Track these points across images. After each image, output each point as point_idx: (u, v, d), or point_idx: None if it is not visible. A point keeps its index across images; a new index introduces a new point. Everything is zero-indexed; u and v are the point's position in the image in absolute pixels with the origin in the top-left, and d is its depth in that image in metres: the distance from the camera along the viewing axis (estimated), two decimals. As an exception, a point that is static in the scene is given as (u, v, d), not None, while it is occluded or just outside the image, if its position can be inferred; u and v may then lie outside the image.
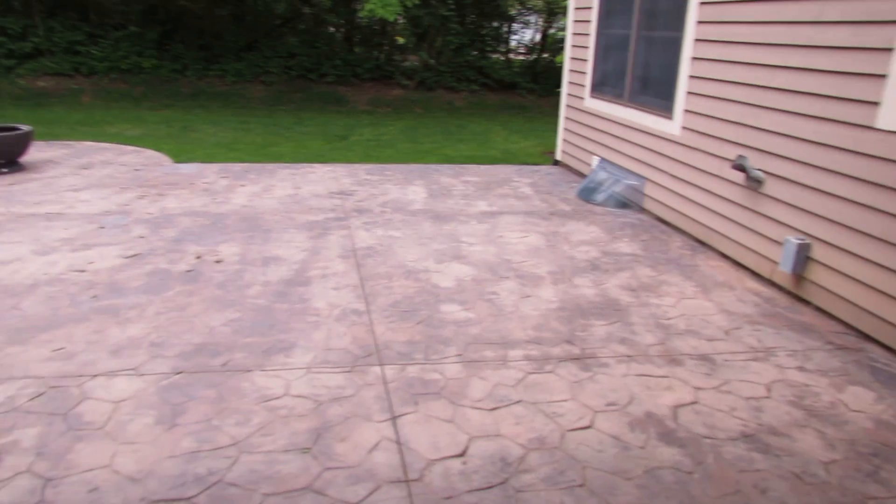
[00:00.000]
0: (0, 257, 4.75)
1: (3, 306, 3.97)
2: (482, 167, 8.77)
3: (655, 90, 6.47)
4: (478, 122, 13.62)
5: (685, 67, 5.83)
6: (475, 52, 16.45)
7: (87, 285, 4.33)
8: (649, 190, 6.56)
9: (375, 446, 2.75)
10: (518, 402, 3.13)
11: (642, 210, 6.69)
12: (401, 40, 16.63)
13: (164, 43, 14.71)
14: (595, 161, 7.73)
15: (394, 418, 2.96)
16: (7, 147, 7.29)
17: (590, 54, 7.86)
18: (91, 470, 2.56)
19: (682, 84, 5.88)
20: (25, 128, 7.47)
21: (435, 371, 3.38)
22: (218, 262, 4.84)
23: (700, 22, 5.61)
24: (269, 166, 8.27)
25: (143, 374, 3.26)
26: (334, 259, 4.99)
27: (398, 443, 2.78)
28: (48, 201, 6.25)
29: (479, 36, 16.67)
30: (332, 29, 16.26)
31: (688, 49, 5.78)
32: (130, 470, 2.57)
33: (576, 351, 3.67)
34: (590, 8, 7.78)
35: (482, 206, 6.71)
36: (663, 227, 6.22)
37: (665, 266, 5.14)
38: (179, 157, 8.58)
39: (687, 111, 5.84)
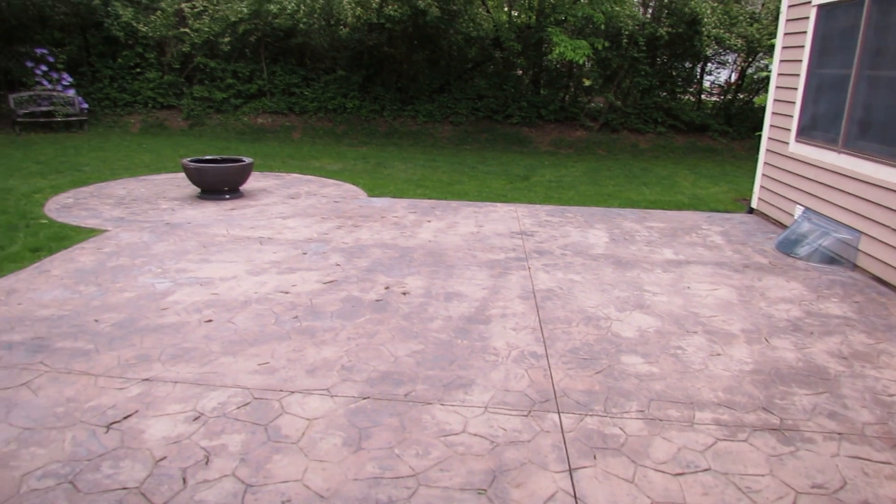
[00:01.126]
0: (220, 274, 5.35)
1: (221, 319, 4.45)
2: (668, 213, 8.43)
3: (879, 135, 5.85)
4: (663, 165, 13.16)
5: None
6: (664, 94, 15.98)
7: (290, 306, 4.73)
8: (865, 245, 5.90)
9: (551, 497, 2.70)
10: (706, 469, 2.91)
11: (854, 267, 6.02)
12: (587, 82, 16.61)
13: (366, 85, 15.96)
14: (798, 211, 7.12)
15: (571, 470, 2.88)
16: (232, 176, 8.26)
17: (798, 96, 7.31)
18: (285, 482, 2.76)
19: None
20: (247, 160, 8.43)
21: (615, 425, 3.26)
22: (404, 293, 5.08)
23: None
24: (454, 203, 8.58)
25: (334, 396, 3.48)
26: (514, 299, 5.02)
27: (575, 497, 2.70)
28: (261, 226, 6.97)
29: (669, 77, 16.19)
30: (520, 72, 16.66)
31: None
32: (319, 487, 2.73)
33: (774, 420, 3.35)
34: (801, 47, 7.25)
35: (668, 253, 6.44)
36: (882, 287, 5.54)
37: (885, 333, 4.56)
38: (373, 191, 9.19)
39: (916, 161, 5.20)
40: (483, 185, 10.11)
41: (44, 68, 13.99)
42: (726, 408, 3.47)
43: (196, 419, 3.20)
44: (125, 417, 3.18)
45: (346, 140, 14.65)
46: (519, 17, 16.13)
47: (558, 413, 3.36)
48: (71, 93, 14.09)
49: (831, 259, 6.17)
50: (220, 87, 15.43)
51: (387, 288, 5.19)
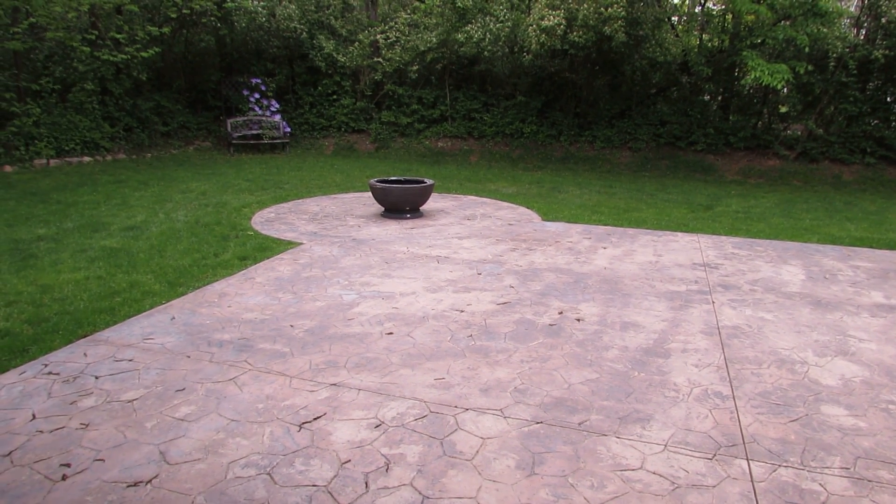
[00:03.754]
0: (401, 289, 5.62)
1: (401, 332, 4.66)
2: (878, 252, 7.55)
3: None
4: (871, 199, 11.84)
5: None
6: (876, 121, 14.40)
7: (465, 324, 4.85)
8: None
9: (739, 550, 2.50)
10: (927, 545, 2.55)
11: None
12: (783, 108, 15.43)
13: (544, 111, 16.08)
14: None
15: (762, 523, 2.66)
16: (414, 197, 8.68)
17: None
18: (460, 498, 2.81)
19: None
20: (429, 181, 8.81)
21: (814, 481, 2.95)
22: (578, 320, 5.00)
23: None
24: (631, 231, 8.33)
25: (507, 417, 3.49)
26: (696, 334, 4.76)
27: (766, 553, 2.48)
28: (438, 245, 7.22)
29: (883, 103, 14.57)
30: (707, 97, 15.88)
31: None
32: (492, 504, 2.75)
33: None
34: None
35: (877, 297, 5.76)
36: None
37: None
38: (547, 215, 9.18)
39: None
40: (662, 213, 9.72)
41: (256, 96, 15.72)
42: (954, 477, 3.01)
43: (377, 427, 3.36)
44: (315, 419, 3.42)
45: (522, 164, 14.81)
46: (710, 40, 15.41)
47: (747, 460, 3.12)
48: (277, 118, 15.68)
49: None
50: (406, 112, 16.34)
51: (560, 313, 5.14)
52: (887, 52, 13.33)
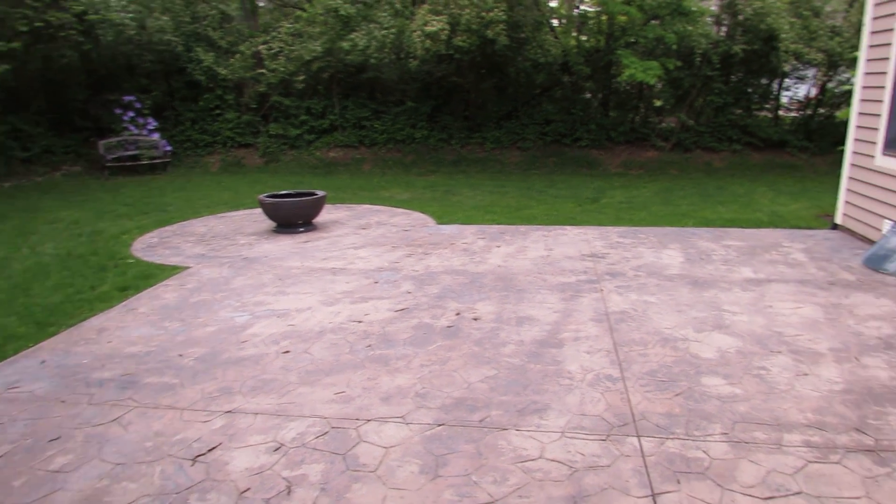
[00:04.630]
0: (296, 306, 5.51)
1: (297, 350, 4.57)
2: (746, 231, 8.15)
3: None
4: (740, 183, 12.76)
5: None
6: (739, 111, 15.55)
7: (363, 335, 4.82)
8: (964, 259, 5.52)
9: (633, 524, 2.63)
10: (798, 493, 2.77)
11: (954, 283, 5.65)
12: (658, 102, 16.36)
13: (434, 115, 16.24)
14: (887, 226, 6.74)
15: (654, 495, 2.80)
16: (306, 210, 8.53)
17: (884, 108, 6.97)
18: (365, 507, 2.79)
19: None
20: (320, 193, 8.69)
21: (698, 449, 3.15)
22: (475, 319, 5.09)
23: None
24: (523, 228, 8.56)
25: (409, 423, 3.50)
26: (587, 322, 4.95)
27: (658, 524, 2.62)
28: (333, 257, 7.14)
29: (744, 94, 15.75)
30: (588, 95, 16.59)
31: None
32: (398, 511, 2.75)
33: (869, 441, 3.17)
34: (886, 59, 6.94)
35: (747, 272, 6.21)
36: None
37: None
38: (442, 218, 9.29)
39: None
40: (552, 208, 10.05)
41: (131, 114, 14.90)
42: (816, 429, 3.29)
43: (277, 450, 3.27)
44: (210, 450, 3.28)
45: (415, 169, 14.90)
46: (588, 41, 16.10)
47: (638, 437, 3.28)
48: (156, 136, 14.93)
49: (928, 273, 5.81)
50: (295, 123, 16.03)
51: (458, 314, 5.21)
52: (745, 46, 14.40)
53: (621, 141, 15.73)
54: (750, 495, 2.78)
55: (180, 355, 4.49)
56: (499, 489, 2.89)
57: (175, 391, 3.95)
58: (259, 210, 9.89)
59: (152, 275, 6.52)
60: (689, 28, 13.66)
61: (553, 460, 3.10)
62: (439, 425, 3.46)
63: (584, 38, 16.35)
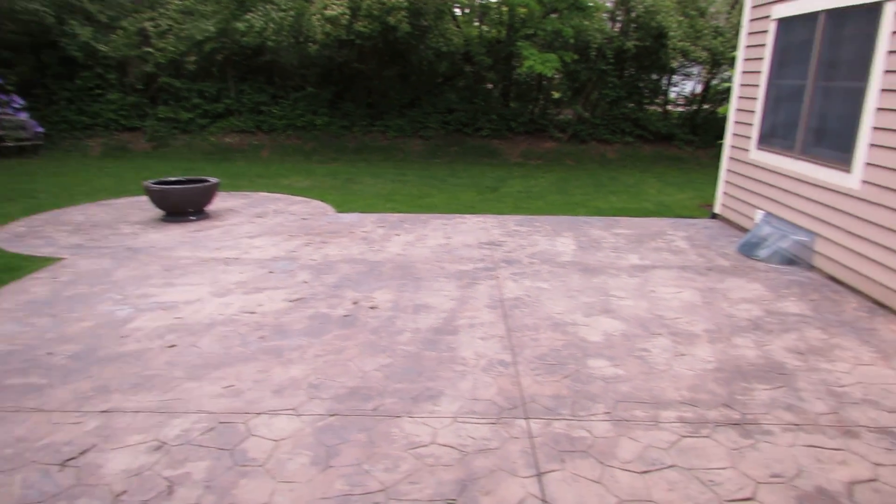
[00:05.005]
0: (184, 298, 5.28)
1: (184, 343, 4.38)
2: (634, 220, 8.54)
3: (832, 142, 6.00)
4: (631, 174, 13.34)
5: (868, 119, 5.38)
6: (631, 105, 16.25)
7: (256, 326, 4.68)
8: (820, 246, 6.02)
9: (521, 503, 2.69)
10: (671, 466, 2.94)
11: (811, 268, 6.15)
12: (556, 94, 16.82)
13: (335, 102, 15.95)
14: (759, 215, 7.25)
15: (539, 475, 2.88)
16: (196, 197, 8.18)
17: (758, 105, 7.47)
18: None
19: (865, 136, 5.42)
20: (213, 180, 8.35)
21: (582, 428, 3.27)
22: (373, 308, 5.06)
23: (889, 71, 5.17)
24: (423, 216, 8.59)
25: (301, 415, 3.44)
26: (482, 309, 5.03)
27: (544, 501, 2.70)
28: (227, 247, 6.89)
29: (636, 89, 16.47)
30: (490, 85, 16.81)
31: (872, 100, 5.34)
32: (286, 505, 2.69)
33: (735, 416, 3.40)
34: (761, 59, 7.42)
35: (634, 259, 6.51)
36: (836, 286, 5.67)
37: (838, 329, 4.66)
38: (342, 207, 9.16)
39: (869, 164, 5.36)
40: (453, 197, 10.14)
41: (-9, 90, 13.62)
42: (690, 406, 3.50)
43: (158, 449, 3.12)
44: (81, 453, 3.07)
45: (316, 157, 14.60)
46: (489, 31, 16.28)
47: (526, 419, 3.36)
48: (23, 116, 13.74)
49: (790, 260, 6.29)
50: (186, 106, 15.29)
51: (355, 303, 5.16)
52: (638, 42, 15.03)
53: (521, 131, 16.06)
54: (628, 470, 2.92)
55: (49, 353, 4.18)
56: (390, 476, 2.88)
57: (42, 392, 3.67)
58: (146, 198, 9.38)
59: (19, 267, 6.03)
60: (586, 23, 14.12)
61: (444, 445, 3.13)
62: (332, 416, 3.42)
63: (485, 28, 16.53)
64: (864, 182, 5.40)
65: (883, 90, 5.24)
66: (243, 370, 3.97)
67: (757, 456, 3.03)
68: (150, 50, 14.39)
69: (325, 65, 15.61)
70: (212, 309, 5.02)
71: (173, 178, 8.38)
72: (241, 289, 5.51)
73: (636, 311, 4.98)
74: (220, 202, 9.21)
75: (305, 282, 5.70)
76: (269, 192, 10.41)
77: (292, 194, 10.18)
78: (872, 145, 5.34)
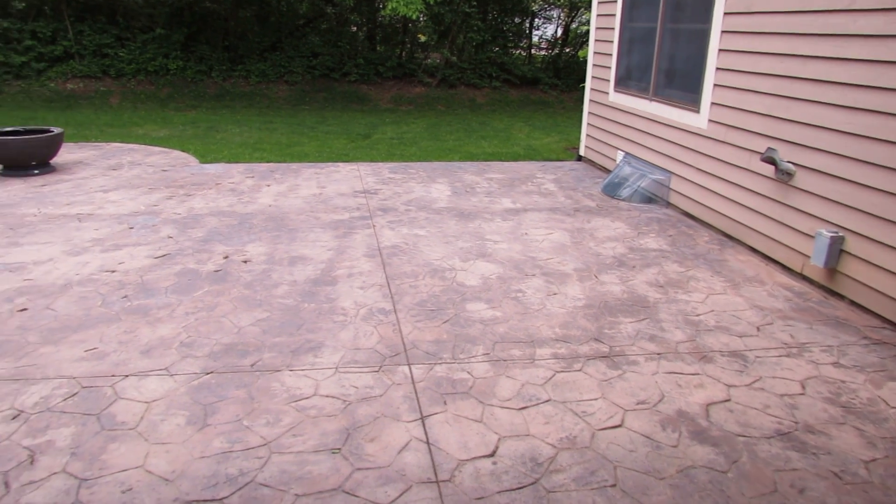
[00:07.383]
0: (33, 258, 4.83)
1: (37, 306, 4.03)
2: (505, 164, 8.74)
3: (681, 84, 6.38)
4: (500, 118, 13.57)
5: (712, 60, 5.75)
6: (497, 49, 16.41)
7: (118, 286, 4.39)
8: (675, 184, 6.47)
9: (405, 447, 2.75)
10: (547, 401, 3.11)
11: (668, 205, 6.61)
12: (423, 38, 16.63)
13: (189, 45, 14.88)
14: (620, 156, 7.66)
15: (423, 418, 2.95)
16: (38, 149, 7.42)
17: (614, 48, 7.78)
18: (125, 470, 2.58)
19: (709, 77, 5.80)
20: (56, 130, 7.60)
21: (463, 370, 3.37)
22: (245, 261, 4.88)
23: (728, 13, 5.52)
24: (294, 166, 8.32)
25: (174, 375, 3.29)
26: (360, 258, 5.00)
27: (428, 443, 2.78)
28: (79, 202, 6.35)
29: (500, 32, 16.61)
30: (354, 28, 16.32)
31: (715, 41, 5.69)
32: (163, 470, 2.59)
33: (604, 349, 3.64)
34: (614, 2, 7.70)
35: (506, 203, 6.69)
36: (690, 221, 6.14)
37: (693, 261, 5.07)
38: (206, 157, 8.67)
39: (714, 104, 5.76)
40: (324, 145, 9.88)
41: None
42: (563, 342, 3.70)
43: (15, 417, 2.89)
44: (-76, 427, 2.80)
45: (173, 104, 13.64)
46: (349, -30, 15.71)
47: (408, 365, 3.42)
48: None
49: (649, 199, 6.73)
50: (18, 49, 13.69)
51: (226, 257, 4.95)
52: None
53: (390, 76, 15.82)
54: (507, 407, 3.05)
55: None
56: (272, 430, 2.84)
57: None
58: (-23, 151, 8.39)
59: None
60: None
61: (327, 396, 3.12)
62: (207, 374, 3.30)
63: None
64: (711, 121, 5.82)
65: (724, 31, 5.60)
66: (106, 332, 3.72)
67: (624, 385, 3.27)
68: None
69: (173, 4, 14.46)
70: (66, 269, 4.64)
71: (10, 129, 7.54)
72: (99, 246, 5.12)
73: (510, 254, 5.14)
74: (66, 154, 8.43)
75: (170, 237, 5.39)
76: (122, 142, 9.64)
77: (149, 144, 9.50)
78: (717, 85, 5.73)
